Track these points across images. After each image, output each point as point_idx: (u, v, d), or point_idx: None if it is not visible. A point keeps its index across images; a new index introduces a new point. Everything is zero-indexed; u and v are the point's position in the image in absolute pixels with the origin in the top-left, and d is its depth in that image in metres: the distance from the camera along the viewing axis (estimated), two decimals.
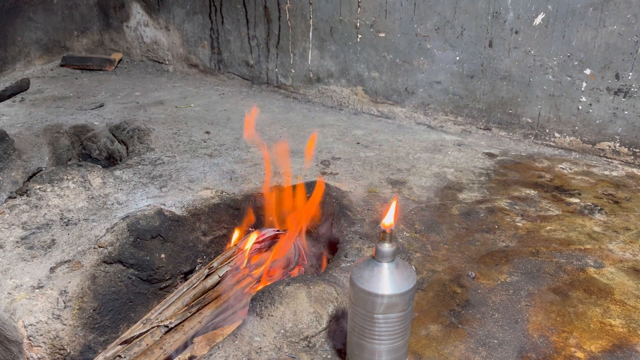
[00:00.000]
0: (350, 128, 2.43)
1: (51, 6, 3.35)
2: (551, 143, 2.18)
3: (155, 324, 1.30)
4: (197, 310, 1.37)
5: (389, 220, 0.94)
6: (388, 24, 2.41)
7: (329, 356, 1.09)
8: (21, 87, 2.93)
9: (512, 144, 2.24)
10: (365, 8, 2.45)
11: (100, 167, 1.84)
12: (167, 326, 1.29)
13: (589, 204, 1.72)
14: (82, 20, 3.55)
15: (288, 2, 2.69)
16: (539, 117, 2.17)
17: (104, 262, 1.42)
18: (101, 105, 2.70)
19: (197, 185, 1.80)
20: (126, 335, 1.28)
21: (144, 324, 1.31)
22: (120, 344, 1.26)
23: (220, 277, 1.46)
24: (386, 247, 0.92)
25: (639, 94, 1.94)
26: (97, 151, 2.34)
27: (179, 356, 1.28)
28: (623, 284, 1.32)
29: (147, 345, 1.25)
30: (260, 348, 1.09)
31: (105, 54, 3.63)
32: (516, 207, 1.70)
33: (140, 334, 1.27)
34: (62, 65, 3.42)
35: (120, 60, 3.54)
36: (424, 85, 2.42)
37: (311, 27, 2.67)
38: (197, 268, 1.62)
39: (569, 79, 2.05)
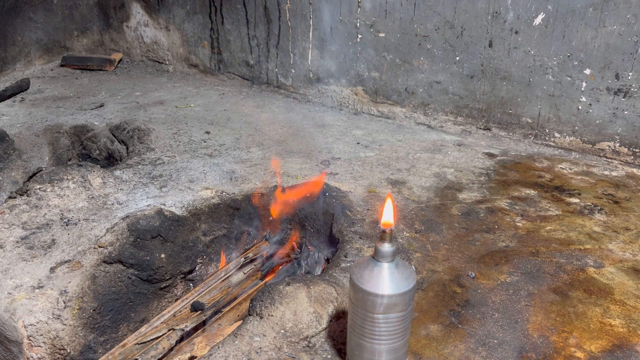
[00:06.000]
0: (350, 128, 2.43)
1: (51, 6, 3.35)
2: (551, 143, 2.18)
3: (171, 327, 1.30)
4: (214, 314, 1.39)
5: (389, 219, 0.94)
6: (388, 24, 2.41)
7: (329, 356, 1.09)
8: (21, 87, 2.93)
9: (512, 144, 2.24)
10: (365, 8, 2.45)
11: (100, 167, 1.84)
12: (183, 329, 1.30)
13: (589, 204, 1.72)
14: (82, 20, 3.55)
15: (288, 2, 2.69)
16: (539, 117, 2.17)
17: (104, 262, 1.42)
18: (101, 105, 2.70)
19: (197, 185, 1.80)
20: (144, 336, 1.29)
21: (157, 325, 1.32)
22: (137, 343, 1.27)
23: (245, 273, 1.50)
24: (386, 247, 0.92)
25: (638, 94, 1.94)
26: (97, 151, 2.34)
27: (179, 356, 1.28)
28: (623, 284, 1.32)
29: (164, 348, 1.26)
30: (260, 348, 1.09)
31: (105, 54, 3.63)
32: (516, 207, 1.70)
33: (157, 337, 1.28)
34: (62, 65, 3.42)
35: (120, 60, 3.54)
36: (424, 85, 2.42)
37: (311, 27, 2.67)
38: (197, 268, 1.62)
39: (569, 79, 2.06)
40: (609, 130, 2.04)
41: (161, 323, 1.33)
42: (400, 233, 1.53)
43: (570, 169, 1.99)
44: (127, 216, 1.55)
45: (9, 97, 2.82)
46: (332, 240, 1.57)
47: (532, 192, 1.80)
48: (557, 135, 2.16)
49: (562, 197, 1.76)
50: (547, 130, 2.17)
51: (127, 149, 2.22)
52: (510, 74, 2.18)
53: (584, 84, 2.03)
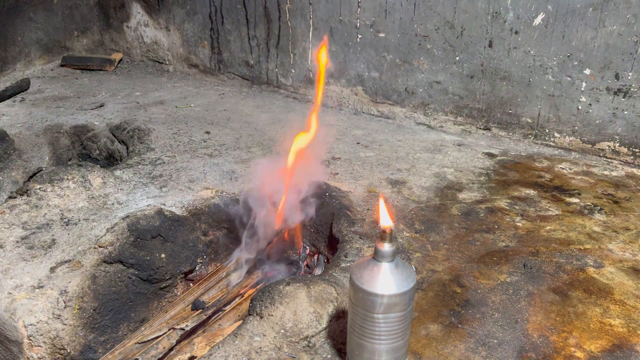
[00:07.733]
0: (350, 128, 2.43)
1: (51, 6, 3.35)
2: (551, 143, 2.18)
3: (172, 326, 1.30)
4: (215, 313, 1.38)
5: (386, 221, 0.94)
6: (388, 24, 2.41)
7: (329, 356, 1.09)
8: (21, 87, 2.93)
9: (512, 144, 2.24)
10: (365, 8, 2.45)
11: (100, 167, 1.84)
12: (183, 329, 1.30)
13: (589, 203, 1.72)
14: (82, 20, 3.55)
15: (288, 2, 2.69)
16: (539, 117, 2.17)
17: (104, 262, 1.42)
18: (101, 105, 2.70)
19: (197, 185, 1.81)
20: (144, 336, 1.29)
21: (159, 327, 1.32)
22: (137, 343, 1.27)
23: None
24: (386, 247, 0.92)
25: (638, 94, 1.94)
26: (97, 151, 2.34)
27: (179, 356, 1.28)
28: (623, 283, 1.32)
29: (164, 347, 1.26)
30: (260, 348, 1.09)
31: (106, 54, 3.63)
32: (516, 207, 1.70)
33: (157, 337, 1.28)
34: (62, 65, 3.42)
35: (120, 60, 3.54)
36: (424, 85, 2.42)
37: (311, 27, 2.67)
38: (197, 268, 1.62)
39: (569, 79, 2.06)
40: (609, 130, 2.04)
41: (162, 322, 1.33)
42: (400, 233, 1.53)
43: (570, 169, 1.99)
44: (127, 216, 1.55)
45: (9, 97, 2.82)
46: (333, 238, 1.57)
47: (532, 192, 1.80)
48: (557, 135, 2.16)
49: (562, 197, 1.76)
50: (547, 130, 2.17)
51: (127, 149, 2.22)
52: (510, 74, 2.18)
53: (584, 84, 2.03)
